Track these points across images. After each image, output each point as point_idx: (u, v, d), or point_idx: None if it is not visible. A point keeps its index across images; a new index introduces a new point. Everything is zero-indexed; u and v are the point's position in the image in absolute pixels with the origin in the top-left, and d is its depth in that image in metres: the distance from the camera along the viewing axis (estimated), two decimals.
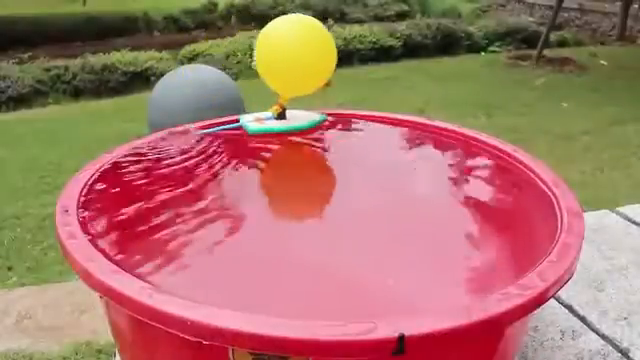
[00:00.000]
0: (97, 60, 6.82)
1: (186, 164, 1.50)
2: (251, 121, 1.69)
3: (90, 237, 1.06)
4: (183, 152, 1.55)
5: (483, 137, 1.58)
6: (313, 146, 1.66)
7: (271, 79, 1.65)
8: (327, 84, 1.66)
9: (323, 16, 10.95)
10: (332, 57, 1.64)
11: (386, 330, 0.79)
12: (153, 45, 8.58)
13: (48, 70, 6.46)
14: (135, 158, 1.48)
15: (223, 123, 1.72)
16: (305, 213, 1.36)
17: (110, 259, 0.99)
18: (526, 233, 1.21)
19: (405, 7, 12.29)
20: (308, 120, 1.70)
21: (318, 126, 1.70)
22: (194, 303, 0.85)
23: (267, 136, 1.67)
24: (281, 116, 1.68)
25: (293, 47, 1.59)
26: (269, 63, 1.64)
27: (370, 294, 1.02)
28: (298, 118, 1.71)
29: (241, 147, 1.66)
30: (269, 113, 1.69)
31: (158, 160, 1.50)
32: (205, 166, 1.49)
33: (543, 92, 6.08)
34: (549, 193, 1.26)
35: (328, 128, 1.73)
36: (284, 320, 0.82)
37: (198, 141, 1.61)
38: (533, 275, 0.94)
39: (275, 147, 1.66)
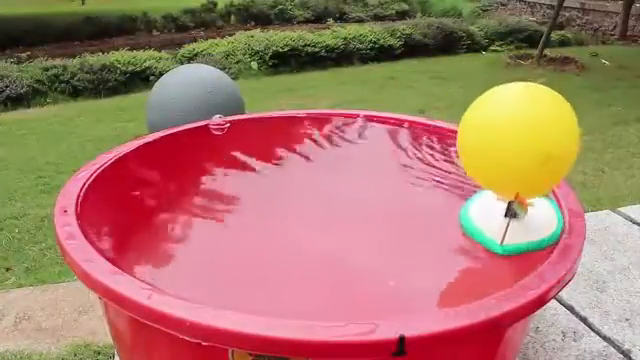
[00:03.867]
0: (96, 60, 6.80)
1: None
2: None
3: (89, 237, 1.05)
4: None
5: None
6: None
7: (477, 171, 1.20)
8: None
9: (323, 16, 10.98)
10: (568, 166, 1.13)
11: (387, 331, 0.79)
12: (152, 44, 8.59)
13: (46, 70, 6.43)
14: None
15: None
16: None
17: (109, 259, 0.98)
18: None
19: (405, 6, 12.28)
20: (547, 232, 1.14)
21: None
22: (193, 304, 0.85)
23: None
24: (512, 213, 1.14)
25: (523, 146, 1.10)
26: (480, 153, 1.15)
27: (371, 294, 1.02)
28: (537, 228, 1.15)
29: None
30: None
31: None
32: None
33: None
34: (550, 193, 1.25)
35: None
36: (283, 321, 0.81)
37: None
38: (534, 276, 0.93)
39: None
